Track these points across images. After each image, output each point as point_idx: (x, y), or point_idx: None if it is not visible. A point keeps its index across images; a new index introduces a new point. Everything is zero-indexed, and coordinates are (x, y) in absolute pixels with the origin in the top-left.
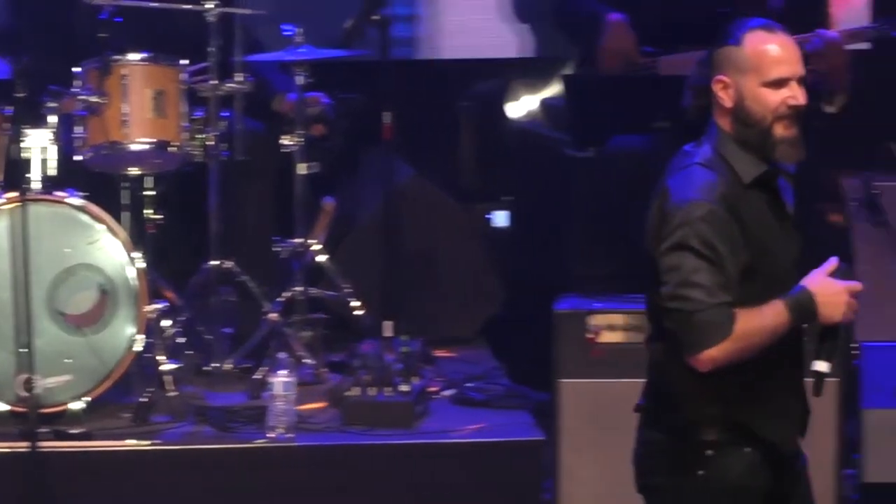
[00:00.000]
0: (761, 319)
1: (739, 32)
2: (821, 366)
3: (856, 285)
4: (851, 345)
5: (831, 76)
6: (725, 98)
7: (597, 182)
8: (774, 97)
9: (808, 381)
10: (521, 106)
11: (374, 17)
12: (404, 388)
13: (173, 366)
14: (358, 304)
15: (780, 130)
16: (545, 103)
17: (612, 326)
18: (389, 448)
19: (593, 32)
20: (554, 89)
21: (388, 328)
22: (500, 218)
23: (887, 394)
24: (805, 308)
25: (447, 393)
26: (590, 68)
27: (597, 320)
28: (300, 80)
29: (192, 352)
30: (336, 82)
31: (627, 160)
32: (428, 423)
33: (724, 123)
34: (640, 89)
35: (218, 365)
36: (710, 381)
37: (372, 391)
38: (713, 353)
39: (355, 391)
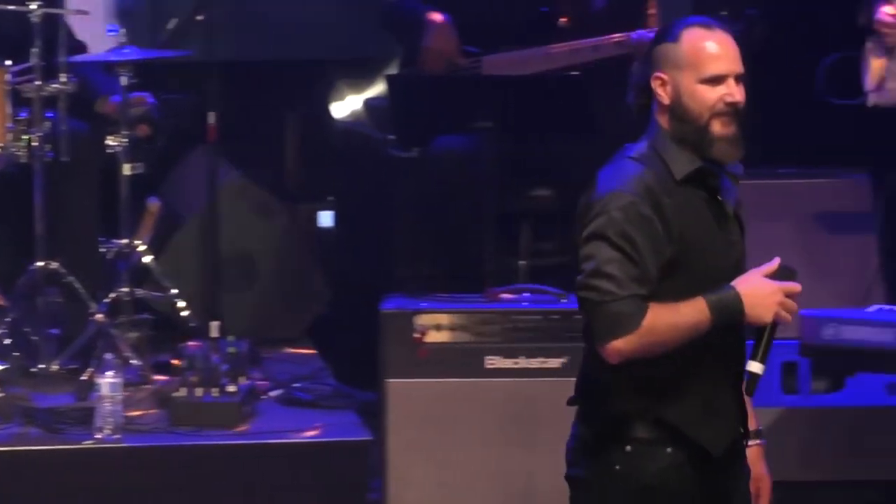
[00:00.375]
0: (675, 316)
1: (677, 29)
2: (753, 366)
3: (793, 286)
4: None
5: None
6: (663, 95)
7: (421, 182)
8: (711, 94)
9: None
10: (346, 106)
11: (199, 18)
12: (231, 388)
13: None
14: (184, 304)
15: (717, 128)
16: (369, 103)
17: (438, 326)
18: (216, 448)
19: (416, 32)
20: (378, 89)
21: (214, 329)
22: (326, 218)
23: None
24: (730, 308)
25: (274, 393)
26: (413, 68)
27: (423, 320)
28: (124, 80)
29: (18, 353)
30: (160, 83)
31: (451, 160)
32: (255, 423)
33: (663, 120)
34: (463, 89)
35: (44, 366)
36: (634, 376)
37: (199, 392)
38: (619, 345)
39: (182, 392)
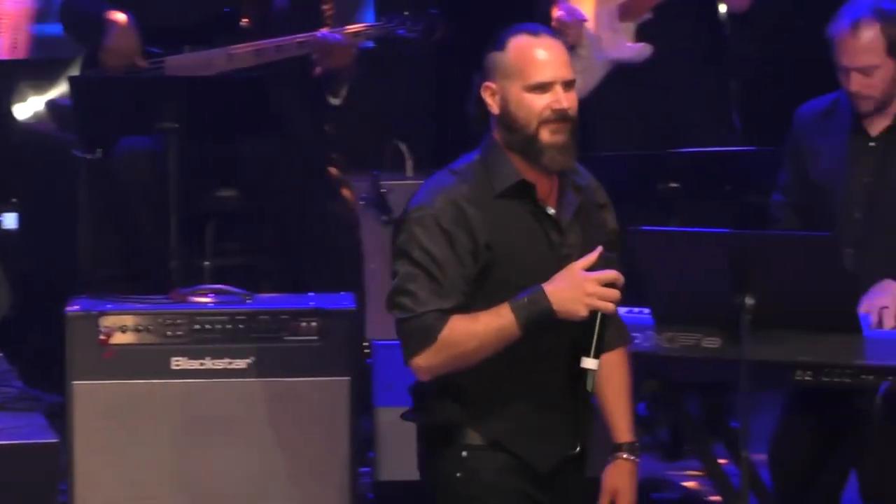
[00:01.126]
0: (474, 324)
1: (505, 37)
2: (587, 362)
3: (607, 274)
4: (364, 343)
5: (337, 72)
6: (493, 105)
7: (105, 183)
8: (539, 102)
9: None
10: (29, 107)
11: None
12: None
13: None
14: None
15: (546, 136)
16: (52, 104)
17: (123, 328)
18: None
19: (98, 32)
20: (61, 90)
21: None
22: (10, 220)
23: (398, 392)
24: (537, 307)
25: None
26: (96, 69)
27: (108, 322)
28: None
29: None
30: None
31: (135, 161)
32: None
33: (496, 131)
34: (146, 90)
35: None
36: (457, 388)
37: None
38: (420, 361)
39: None
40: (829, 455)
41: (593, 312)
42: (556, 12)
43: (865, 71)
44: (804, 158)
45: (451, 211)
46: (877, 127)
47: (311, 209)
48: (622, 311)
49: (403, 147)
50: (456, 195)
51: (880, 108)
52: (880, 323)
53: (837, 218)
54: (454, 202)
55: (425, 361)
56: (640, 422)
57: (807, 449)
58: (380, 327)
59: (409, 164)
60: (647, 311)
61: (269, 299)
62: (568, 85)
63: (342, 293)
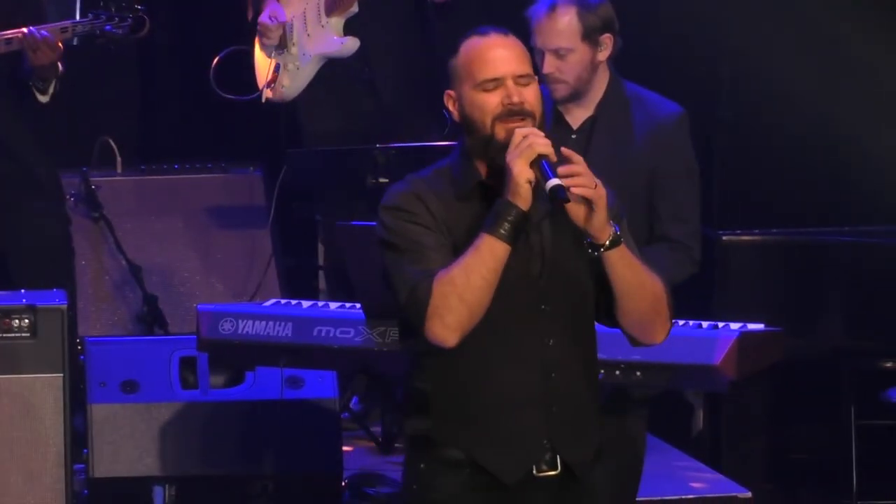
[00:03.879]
0: (457, 262)
1: (459, 44)
2: (551, 182)
3: (521, 128)
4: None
5: (44, 70)
6: (454, 112)
7: None
8: (490, 99)
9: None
10: None
11: None
12: None
13: None
14: None
15: (501, 134)
16: None
17: None
18: None
19: None
20: None
21: None
22: None
23: (112, 389)
24: (496, 209)
25: None
26: None
27: None
28: None
29: None
30: None
31: None
32: None
33: (463, 137)
34: None
35: None
36: (425, 395)
37: None
38: (433, 329)
39: None
40: None
41: (535, 160)
42: (265, 16)
43: (559, 53)
44: None
45: (413, 199)
46: (578, 118)
47: (18, 206)
48: (336, 305)
49: (112, 143)
50: (419, 191)
51: (575, 95)
52: None
53: None
54: (417, 195)
55: (436, 324)
56: (353, 416)
57: None
58: (92, 324)
59: (118, 160)
60: (359, 305)
61: None
62: (523, 79)
63: (54, 290)
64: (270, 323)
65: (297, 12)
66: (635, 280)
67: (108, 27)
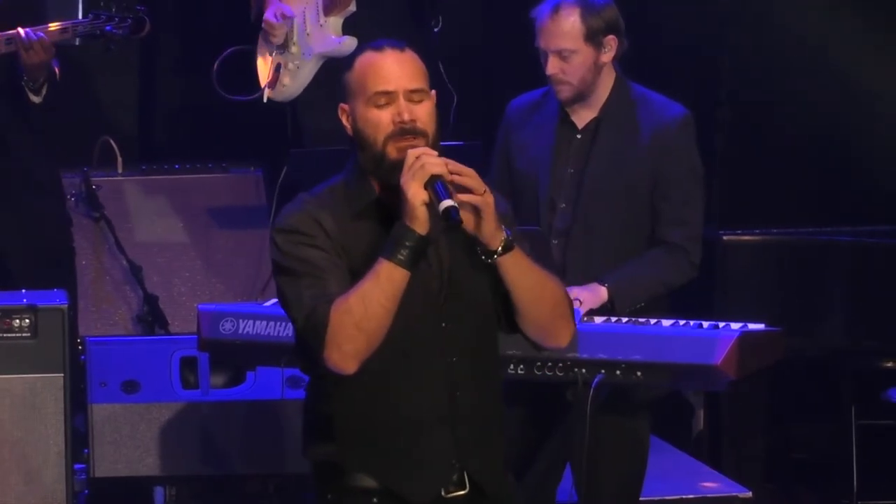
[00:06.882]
0: (354, 289)
1: (355, 58)
2: (444, 203)
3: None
4: (77, 340)
5: (36, 70)
6: (348, 126)
7: None
8: (382, 116)
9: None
10: None
11: None
12: None
13: None
14: None
15: (393, 153)
16: None
17: None
18: None
19: None
20: None
21: None
22: None
23: (112, 389)
24: (393, 234)
25: None
26: None
27: None
28: None
29: None
30: None
31: None
32: None
33: (356, 153)
34: None
35: None
36: (329, 419)
37: None
38: (331, 356)
39: None
40: (541, 448)
41: (429, 181)
42: (270, 14)
43: (562, 55)
44: (511, 150)
45: (308, 220)
46: (583, 119)
47: (18, 206)
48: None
49: (113, 143)
50: (313, 211)
51: (579, 97)
52: None
53: (541, 208)
54: (311, 215)
55: (333, 352)
56: None
57: (518, 442)
58: (93, 324)
59: (119, 160)
60: None
61: None
62: (416, 95)
63: (54, 290)
64: (271, 323)
65: (297, 12)
66: (532, 284)
67: (108, 27)
